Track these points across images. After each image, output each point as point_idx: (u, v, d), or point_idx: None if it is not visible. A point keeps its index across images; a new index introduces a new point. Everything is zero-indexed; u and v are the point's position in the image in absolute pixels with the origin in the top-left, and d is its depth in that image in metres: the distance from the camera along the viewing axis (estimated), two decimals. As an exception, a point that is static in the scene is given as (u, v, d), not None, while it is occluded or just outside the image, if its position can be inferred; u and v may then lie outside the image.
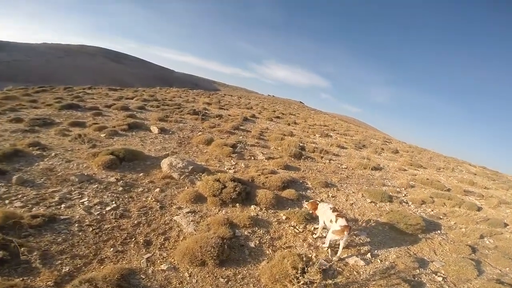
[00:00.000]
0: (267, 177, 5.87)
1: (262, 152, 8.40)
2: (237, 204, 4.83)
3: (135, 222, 4.11)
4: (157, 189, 5.00)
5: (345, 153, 11.24)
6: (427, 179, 9.26)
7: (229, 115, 14.80)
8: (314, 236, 4.44)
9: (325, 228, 4.36)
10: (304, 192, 6.02)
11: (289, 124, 15.88)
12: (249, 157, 7.76)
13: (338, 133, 17.03)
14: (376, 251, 4.54)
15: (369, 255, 4.34)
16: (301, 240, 4.30)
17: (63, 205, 4.21)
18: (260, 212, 4.81)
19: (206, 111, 14.83)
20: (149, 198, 4.70)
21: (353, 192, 6.77)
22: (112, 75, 49.65)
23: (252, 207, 4.89)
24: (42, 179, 4.81)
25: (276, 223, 4.58)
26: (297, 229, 4.50)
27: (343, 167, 8.76)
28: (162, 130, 9.03)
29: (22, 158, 5.53)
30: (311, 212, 4.55)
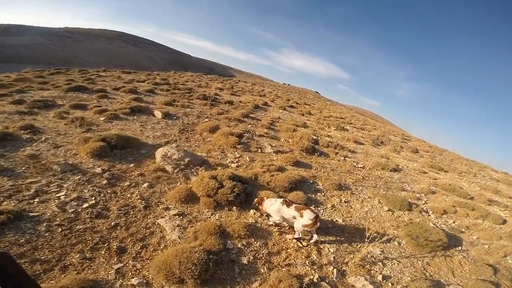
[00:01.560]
0: (272, 175, 5.15)
1: (270, 144, 7.65)
2: (234, 208, 4.18)
3: (112, 223, 3.57)
4: (146, 184, 4.44)
5: (362, 149, 10.22)
6: (449, 184, 8.17)
7: (240, 101, 14.03)
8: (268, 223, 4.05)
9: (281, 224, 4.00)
10: (313, 195, 5.26)
11: (303, 115, 14.88)
12: (256, 149, 7.04)
13: (355, 127, 15.83)
14: (388, 272, 3.79)
15: (380, 277, 3.61)
16: (303, 257, 3.60)
17: (36, 200, 3.73)
18: (259, 219, 4.13)
19: (217, 96, 14.16)
20: (134, 195, 4.16)
21: (368, 197, 5.92)
22: (129, 58, 49.94)
23: (251, 212, 4.22)
24: (23, 168, 4.38)
25: (277, 233, 3.89)
26: (301, 242, 3.79)
27: (359, 166, 7.83)
28: (166, 115, 8.48)
29: (10, 143, 5.15)
30: (258, 206, 4.09)
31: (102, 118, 7.18)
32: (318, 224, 3.66)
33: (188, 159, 5.00)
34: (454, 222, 5.90)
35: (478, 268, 4.36)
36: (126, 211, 3.84)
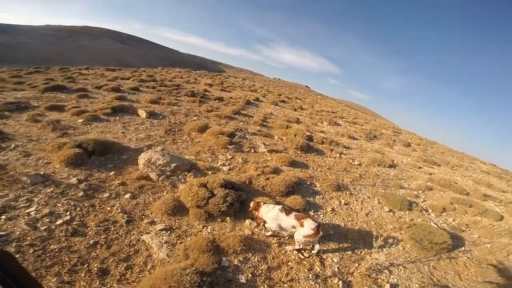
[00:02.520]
0: (268, 178, 4.79)
1: (264, 143, 7.27)
2: (228, 219, 3.79)
3: (91, 242, 3.13)
4: (128, 195, 3.98)
5: (356, 145, 9.99)
6: (445, 180, 8.06)
7: (231, 97, 13.55)
8: (266, 234, 3.69)
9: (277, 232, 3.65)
10: (312, 199, 4.93)
11: (295, 110, 14.55)
12: (249, 148, 6.65)
13: (347, 121, 15.64)
14: (396, 279, 3.55)
15: (387, 286, 3.36)
16: (306, 270, 3.27)
17: (3, 217, 3.25)
18: (256, 229, 3.77)
19: (206, 93, 13.62)
20: (115, 208, 3.71)
21: (368, 197, 5.67)
22: (116, 56, 48.28)
23: (247, 222, 3.85)
24: (-13, 180, 3.85)
25: (276, 245, 3.54)
26: (303, 254, 3.45)
27: (356, 163, 7.57)
28: (151, 115, 7.96)
29: (-27, 151, 4.58)
30: (254, 212, 3.71)
31: (80, 120, 6.61)
32: (321, 233, 3.35)
33: (175, 164, 4.56)
34: (454, 221, 5.77)
35: (483, 270, 4.25)
36: (106, 227, 3.40)
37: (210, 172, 5.00)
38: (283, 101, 16.51)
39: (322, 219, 4.45)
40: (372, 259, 3.76)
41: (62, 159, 4.42)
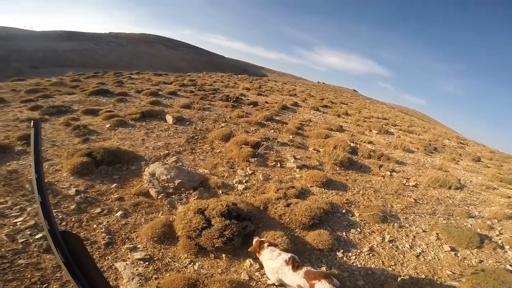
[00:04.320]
0: (289, 205, 3.83)
1: (294, 156, 6.27)
2: (224, 255, 2.98)
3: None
4: (120, 213, 3.49)
5: (412, 160, 8.17)
6: None
7: (266, 102, 12.77)
8: (268, 282, 2.74)
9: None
10: (344, 233, 3.79)
11: (339, 116, 13.01)
12: (275, 162, 5.74)
13: (401, 130, 13.38)
14: None
15: None
16: None
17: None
18: (257, 274, 2.87)
19: (242, 97, 13.12)
20: (100, 226, 3.23)
21: (423, 231, 4.23)
22: (168, 61, 52.16)
23: (247, 262, 2.98)
24: (-2, 185, 3.78)
25: (282, 303, 2.59)
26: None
27: (411, 184, 6.00)
28: (179, 120, 7.65)
29: (1, 155, 4.71)
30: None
31: (107, 125, 6.59)
32: None
33: (179, 180, 3.95)
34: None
35: None
36: None
37: (220, 192, 4.26)
38: (326, 106, 15.06)
39: (353, 263, 3.31)
40: None
41: (69, 167, 4.20)
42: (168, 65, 44.57)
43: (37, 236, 2.99)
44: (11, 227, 3.08)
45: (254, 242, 2.73)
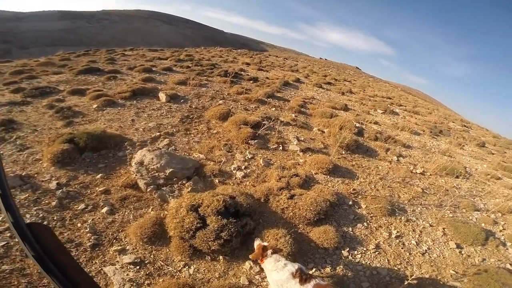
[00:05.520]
0: (292, 196, 3.47)
1: (297, 137, 5.82)
2: (221, 257, 2.66)
3: None
4: (106, 208, 3.14)
5: (419, 143, 7.71)
6: None
7: (267, 78, 12.06)
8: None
9: None
10: (351, 229, 3.47)
11: (343, 94, 12.33)
12: (276, 145, 5.31)
13: (405, 110, 12.75)
14: None
15: None
16: None
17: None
18: (257, 278, 2.58)
19: (242, 72, 12.38)
20: (85, 225, 2.90)
21: (430, 226, 3.95)
22: (164, 37, 49.96)
23: (247, 264, 2.68)
24: (-33, 179, 3.39)
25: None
26: None
27: (418, 171, 5.60)
28: (173, 98, 7.10)
29: (-24, 143, 4.28)
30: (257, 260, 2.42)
31: (94, 106, 6.08)
32: None
33: (171, 169, 3.54)
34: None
35: None
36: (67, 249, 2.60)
37: (217, 181, 3.88)
38: (329, 83, 14.29)
39: (358, 262, 3.04)
40: None
41: (49, 156, 3.78)
42: (165, 40, 42.71)
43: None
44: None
45: (255, 247, 2.39)
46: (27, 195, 3.24)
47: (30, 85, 7.64)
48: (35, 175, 3.61)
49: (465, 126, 14.76)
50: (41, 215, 3.01)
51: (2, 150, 4.17)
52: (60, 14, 48.14)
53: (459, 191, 5.24)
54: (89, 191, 3.42)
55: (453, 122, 14.78)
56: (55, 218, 2.98)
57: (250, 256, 2.33)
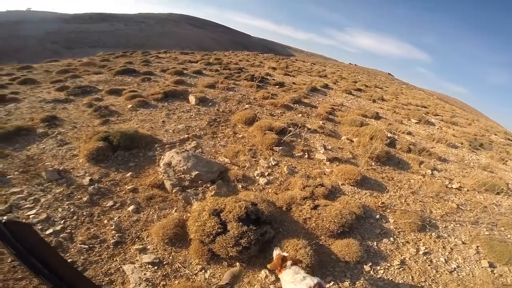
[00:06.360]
0: (316, 207, 3.33)
1: (324, 146, 5.64)
2: (238, 264, 2.62)
3: (68, 260, 2.55)
4: (132, 207, 3.26)
5: (456, 156, 7.07)
6: None
7: (294, 83, 11.92)
8: None
9: None
10: (375, 243, 3.25)
11: (374, 101, 11.79)
12: (302, 152, 5.18)
13: (442, 120, 11.81)
14: None
15: None
16: None
17: (5, 217, 2.99)
18: (272, 287, 2.48)
19: (268, 77, 12.38)
20: (111, 223, 3.02)
21: (462, 243, 3.59)
22: (195, 40, 51.83)
23: (263, 273, 2.62)
24: (16, 172, 3.73)
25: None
26: None
27: (454, 186, 5.12)
28: (202, 101, 7.27)
29: (24, 138, 4.69)
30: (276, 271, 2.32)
31: (129, 106, 6.42)
32: None
33: (196, 172, 3.59)
34: None
35: None
36: (91, 245, 2.78)
37: (240, 186, 3.86)
38: (359, 90, 13.76)
39: (380, 277, 2.83)
40: None
41: (85, 153, 4.04)
42: (195, 43, 44.28)
43: (47, 232, 2.85)
44: (23, 220, 2.98)
45: (275, 256, 2.31)
46: (61, 189, 3.46)
47: (73, 84, 8.29)
48: (71, 170, 3.86)
49: (509, 139, 13.35)
50: (72, 209, 3.18)
51: (44, 144, 4.54)
52: (101, 17, 52.16)
53: (499, 208, 4.71)
54: (118, 189, 3.58)
55: (496, 134, 13.42)
56: (84, 214, 3.15)
57: (269, 266, 2.26)
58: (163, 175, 3.59)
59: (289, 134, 5.49)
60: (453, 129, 10.47)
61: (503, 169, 7.28)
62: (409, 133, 7.88)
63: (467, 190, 5.11)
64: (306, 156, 5.10)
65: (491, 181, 5.38)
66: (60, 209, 3.15)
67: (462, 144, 8.43)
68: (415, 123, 9.59)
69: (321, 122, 7.10)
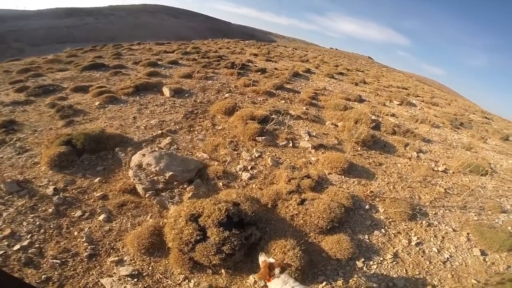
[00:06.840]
0: (303, 201, 3.15)
1: (309, 132, 5.45)
2: (223, 271, 2.41)
3: (43, 277, 2.37)
4: (103, 216, 2.95)
5: (439, 136, 7.12)
6: None
7: (276, 69, 11.58)
8: None
9: None
10: (367, 236, 3.15)
11: (356, 84, 11.69)
12: (286, 141, 4.97)
13: (423, 101, 11.97)
14: None
15: None
16: None
17: None
18: (262, 294, 2.32)
19: (249, 64, 11.95)
20: (82, 234, 2.72)
21: (453, 230, 3.56)
22: (172, 30, 49.65)
23: (251, 278, 2.43)
24: (-32, 185, 3.29)
25: None
26: None
27: (440, 169, 5.11)
28: (177, 92, 6.83)
29: (-24, 146, 4.18)
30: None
31: (97, 103, 5.91)
32: None
33: (171, 173, 3.29)
34: None
35: None
36: (63, 259, 2.52)
37: (221, 184, 3.60)
38: (341, 74, 13.64)
39: (373, 273, 2.75)
40: None
41: (47, 160, 3.62)
42: (172, 34, 42.36)
43: (15, 248, 2.55)
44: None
45: (261, 264, 2.11)
46: (24, 201, 3.10)
47: (35, 83, 7.58)
48: (33, 179, 3.46)
49: (486, 118, 13.80)
50: (38, 222, 2.86)
51: (1, 153, 4.06)
52: (67, 11, 48.55)
53: (485, 191, 4.75)
54: (86, 197, 3.24)
55: (474, 113, 13.85)
56: (51, 226, 2.83)
57: (256, 277, 2.08)
58: (134, 179, 3.27)
59: (272, 123, 5.24)
60: (434, 110, 10.62)
61: (484, 148, 7.43)
62: (393, 115, 7.86)
63: (453, 173, 5.12)
64: (291, 144, 4.90)
65: (475, 162, 5.42)
66: (25, 223, 2.82)
67: (443, 123, 8.54)
68: (398, 104, 9.61)
69: (304, 108, 6.89)
